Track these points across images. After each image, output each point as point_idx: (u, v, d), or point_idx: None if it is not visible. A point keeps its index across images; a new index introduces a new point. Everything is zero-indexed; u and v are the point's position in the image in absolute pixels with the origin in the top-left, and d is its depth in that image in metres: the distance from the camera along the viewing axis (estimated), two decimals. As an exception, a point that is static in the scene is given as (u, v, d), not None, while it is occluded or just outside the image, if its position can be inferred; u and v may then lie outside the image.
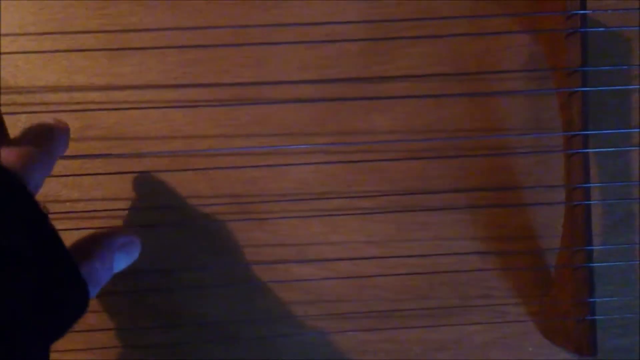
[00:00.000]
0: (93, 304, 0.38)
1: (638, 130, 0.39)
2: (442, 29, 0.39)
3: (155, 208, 0.38)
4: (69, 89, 0.38)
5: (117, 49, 0.37)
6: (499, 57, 0.40)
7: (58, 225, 0.37)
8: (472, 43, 0.39)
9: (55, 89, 0.38)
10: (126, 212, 0.38)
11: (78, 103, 0.38)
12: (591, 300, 0.36)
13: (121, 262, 0.32)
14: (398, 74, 0.39)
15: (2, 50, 0.37)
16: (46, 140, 0.30)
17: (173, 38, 0.38)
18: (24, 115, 0.38)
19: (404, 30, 0.39)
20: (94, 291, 0.29)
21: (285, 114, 0.39)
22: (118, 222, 0.38)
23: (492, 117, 0.40)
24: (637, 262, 0.39)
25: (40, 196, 0.38)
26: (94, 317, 0.38)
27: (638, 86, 0.40)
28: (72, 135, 0.38)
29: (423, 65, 0.39)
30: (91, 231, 0.37)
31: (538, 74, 0.40)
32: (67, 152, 0.38)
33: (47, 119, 0.32)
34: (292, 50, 0.39)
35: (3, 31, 0.37)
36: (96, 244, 0.30)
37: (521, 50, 0.40)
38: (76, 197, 0.38)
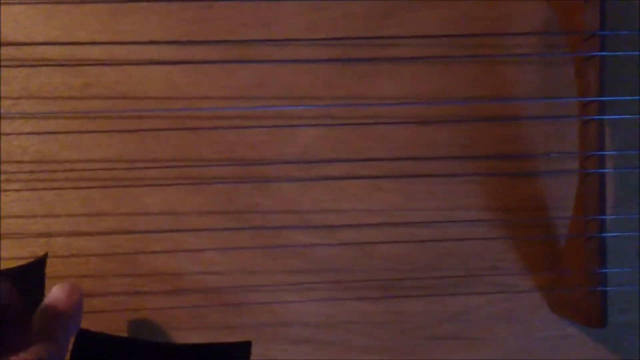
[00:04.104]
0: (90, 268, 0.38)
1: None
2: (453, -10, 0.38)
3: (156, 169, 0.38)
4: (70, 44, 0.37)
5: (120, 2, 0.36)
6: (511, 22, 0.39)
7: (57, 186, 0.37)
8: (483, 6, 0.38)
9: (55, 44, 0.37)
10: (126, 173, 0.38)
11: (78, 60, 0.37)
12: (603, 270, 0.35)
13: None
14: (407, 36, 0.38)
15: (1, 2, 0.36)
16: (61, 327, 0.30)
17: (177, -5, 0.37)
18: (23, 71, 0.37)
19: (414, -9, 0.38)
20: None
21: (290, 76, 0.38)
22: (117, 184, 0.38)
23: (503, 83, 0.39)
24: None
25: (38, 156, 0.38)
26: (90, 281, 0.37)
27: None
28: (71, 93, 0.38)
29: (432, 28, 0.38)
30: (87, 192, 0.37)
31: (549, 40, 0.39)
32: (66, 109, 0.38)
33: (62, 288, 0.31)
34: (298, 10, 0.38)
35: (2, -18, 0.36)
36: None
37: (533, 14, 0.39)
38: (75, 158, 0.38)
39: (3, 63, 0.36)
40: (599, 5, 0.35)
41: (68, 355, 0.31)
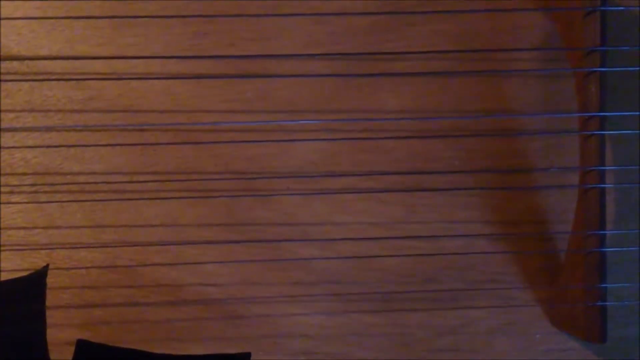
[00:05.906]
0: (91, 279, 0.38)
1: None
2: (454, 5, 0.38)
3: (157, 182, 0.38)
4: (72, 58, 0.37)
5: (122, 17, 0.37)
6: (511, 36, 0.39)
7: (58, 198, 0.38)
8: (485, 21, 0.39)
9: (57, 58, 0.37)
10: (127, 186, 0.38)
11: (81, 73, 0.37)
12: (602, 286, 0.35)
13: None
14: (408, 51, 0.38)
15: (4, 16, 0.36)
16: None
17: (178, 9, 0.37)
18: (25, 84, 0.37)
19: (416, 6, 0.38)
20: None
21: (291, 90, 0.38)
22: (119, 196, 0.38)
23: (503, 97, 0.39)
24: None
25: (40, 168, 0.38)
26: (91, 293, 0.38)
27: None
28: (74, 107, 0.38)
29: (434, 43, 0.38)
30: (89, 204, 0.37)
31: (551, 54, 0.39)
32: (69, 123, 0.38)
33: None
34: (300, 24, 0.38)
35: (6, -4, 0.37)
36: None
37: (535, 29, 0.39)
38: (77, 170, 0.38)
39: (6, 76, 0.36)
40: (600, 20, 0.35)
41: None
